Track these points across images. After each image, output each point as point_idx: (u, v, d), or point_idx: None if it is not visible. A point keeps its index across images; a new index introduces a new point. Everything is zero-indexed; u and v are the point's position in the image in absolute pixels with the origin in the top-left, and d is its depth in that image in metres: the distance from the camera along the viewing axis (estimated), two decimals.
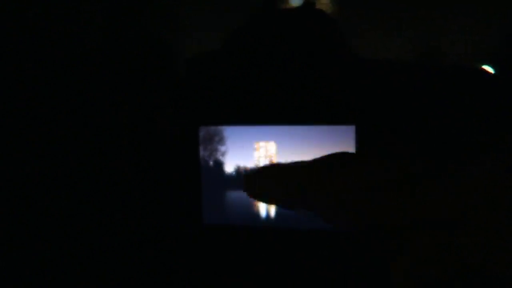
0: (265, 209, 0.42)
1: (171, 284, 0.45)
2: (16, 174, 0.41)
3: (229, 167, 0.42)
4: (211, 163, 0.42)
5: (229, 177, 0.42)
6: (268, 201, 0.18)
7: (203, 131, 0.41)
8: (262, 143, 0.40)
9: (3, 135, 0.39)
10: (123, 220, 0.47)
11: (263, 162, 0.41)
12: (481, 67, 0.41)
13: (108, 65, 0.48)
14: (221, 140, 0.41)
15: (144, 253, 0.46)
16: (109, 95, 0.47)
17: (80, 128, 0.45)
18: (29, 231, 0.42)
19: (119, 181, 0.47)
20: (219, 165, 0.42)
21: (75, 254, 0.45)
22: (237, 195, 0.42)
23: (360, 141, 0.37)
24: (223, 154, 0.41)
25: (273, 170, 0.18)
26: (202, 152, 0.42)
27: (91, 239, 0.46)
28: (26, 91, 0.40)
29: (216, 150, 0.42)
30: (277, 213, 0.42)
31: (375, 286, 0.41)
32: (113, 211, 0.47)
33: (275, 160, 0.40)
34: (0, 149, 0.39)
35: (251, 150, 0.41)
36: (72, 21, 0.44)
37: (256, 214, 0.42)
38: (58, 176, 0.43)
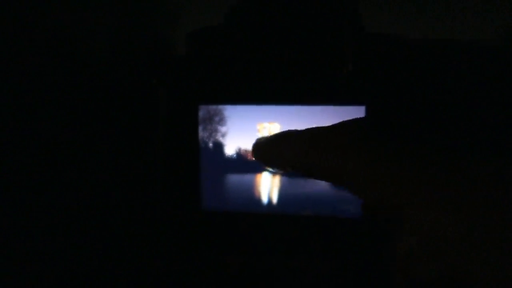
0: (266, 194, 0.40)
1: (169, 272, 0.43)
2: (16, 172, 0.39)
3: (230, 149, 0.39)
4: (210, 144, 0.40)
5: (230, 160, 0.39)
6: (275, 164, 0.18)
7: (202, 111, 0.39)
8: (265, 124, 0.38)
9: (4, 134, 0.37)
10: (121, 206, 0.45)
11: None
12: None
13: (112, 56, 0.45)
14: (222, 121, 0.39)
15: (142, 240, 0.45)
16: (109, 82, 0.45)
17: (77, 114, 0.42)
18: (29, 226, 0.41)
19: (115, 167, 0.45)
20: (219, 147, 0.39)
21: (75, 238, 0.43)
22: (238, 179, 0.40)
23: None
24: (224, 135, 0.39)
25: (283, 134, 0.18)
26: (201, 133, 0.39)
27: (90, 225, 0.44)
28: (28, 91, 0.38)
29: (216, 131, 0.39)
30: (277, 198, 0.40)
31: (375, 273, 0.39)
32: (110, 196, 0.45)
33: None
34: (1, 149, 0.37)
35: (253, 131, 0.38)
36: (79, 22, 0.42)
37: (257, 199, 0.40)
38: (60, 159, 0.41)
